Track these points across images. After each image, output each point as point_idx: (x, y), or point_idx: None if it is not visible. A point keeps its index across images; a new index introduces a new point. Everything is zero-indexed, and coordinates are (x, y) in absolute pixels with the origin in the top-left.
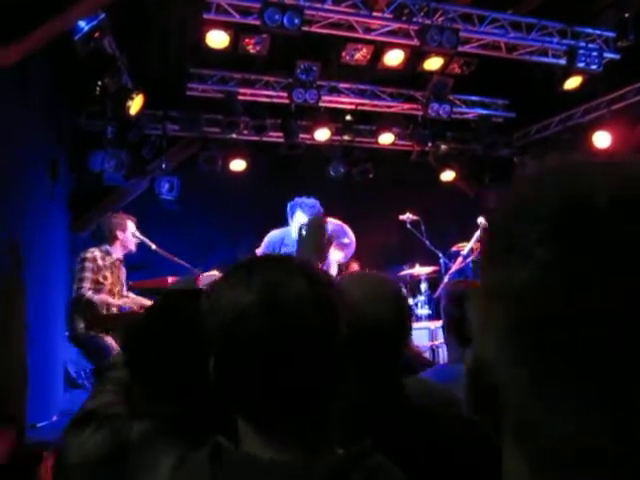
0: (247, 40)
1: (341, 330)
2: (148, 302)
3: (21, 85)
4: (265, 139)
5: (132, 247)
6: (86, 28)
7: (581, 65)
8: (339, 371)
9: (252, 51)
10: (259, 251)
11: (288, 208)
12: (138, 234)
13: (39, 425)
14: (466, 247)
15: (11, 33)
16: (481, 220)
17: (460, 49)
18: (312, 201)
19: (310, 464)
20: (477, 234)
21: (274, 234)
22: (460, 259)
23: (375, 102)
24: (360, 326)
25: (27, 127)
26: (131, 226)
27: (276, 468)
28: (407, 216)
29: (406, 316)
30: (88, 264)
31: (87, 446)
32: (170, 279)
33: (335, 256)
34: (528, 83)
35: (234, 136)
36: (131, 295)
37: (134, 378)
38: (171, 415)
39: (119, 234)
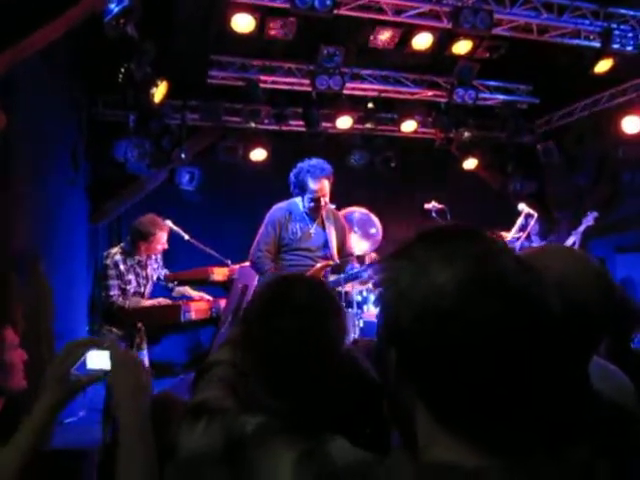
0: (272, 24)
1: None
2: (194, 292)
3: (49, 68)
4: (285, 128)
5: (154, 252)
6: (116, 10)
7: (616, 47)
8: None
9: (278, 36)
10: (262, 228)
11: (292, 178)
12: (170, 224)
13: (66, 421)
14: (509, 234)
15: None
16: (522, 206)
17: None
18: (317, 161)
19: (517, 469)
20: (520, 220)
21: (278, 207)
22: None
23: (398, 88)
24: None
25: (52, 113)
26: (161, 237)
27: (485, 476)
28: (432, 205)
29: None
30: (111, 272)
31: (201, 442)
32: (210, 269)
33: (361, 246)
34: (552, 68)
35: (254, 125)
36: (175, 286)
37: (252, 371)
38: (284, 410)
39: (141, 244)
